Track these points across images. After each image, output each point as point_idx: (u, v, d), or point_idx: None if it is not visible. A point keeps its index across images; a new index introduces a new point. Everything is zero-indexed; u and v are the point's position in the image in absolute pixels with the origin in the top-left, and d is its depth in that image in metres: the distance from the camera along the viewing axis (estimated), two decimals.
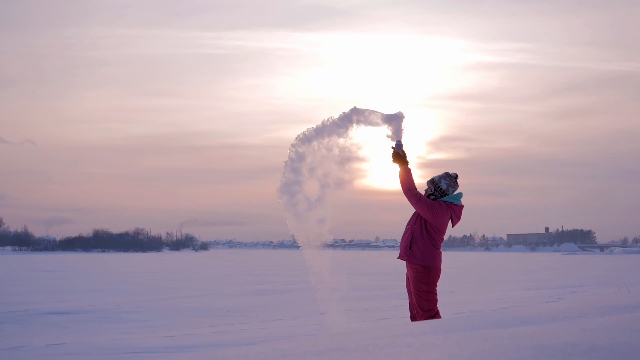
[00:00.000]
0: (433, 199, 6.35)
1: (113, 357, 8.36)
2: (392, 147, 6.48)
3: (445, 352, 2.22)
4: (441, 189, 6.36)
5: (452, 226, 6.48)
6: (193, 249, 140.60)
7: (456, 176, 6.47)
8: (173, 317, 13.24)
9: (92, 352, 8.72)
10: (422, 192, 6.45)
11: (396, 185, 6.49)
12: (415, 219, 6.37)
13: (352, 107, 6.71)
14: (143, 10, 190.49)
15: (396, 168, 6.44)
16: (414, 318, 6.36)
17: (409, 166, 6.40)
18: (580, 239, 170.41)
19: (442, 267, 6.42)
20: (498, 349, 2.17)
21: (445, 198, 6.36)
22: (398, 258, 6.48)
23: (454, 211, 6.36)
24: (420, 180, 6.57)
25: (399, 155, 6.42)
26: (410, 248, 6.30)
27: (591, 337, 2.24)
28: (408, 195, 6.27)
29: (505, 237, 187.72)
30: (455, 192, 6.45)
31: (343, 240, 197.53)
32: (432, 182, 6.41)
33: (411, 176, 6.34)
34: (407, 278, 6.45)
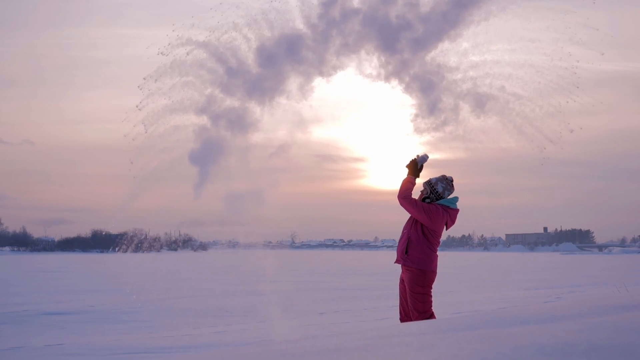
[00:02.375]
0: (429, 202, 6.37)
1: (112, 357, 8.36)
2: (417, 155, 6.55)
3: (444, 352, 2.22)
4: (437, 191, 6.38)
5: (446, 229, 6.51)
6: (192, 249, 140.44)
7: (452, 180, 6.50)
8: (172, 317, 13.24)
9: (92, 353, 8.72)
10: (416, 196, 6.50)
11: (395, 186, 6.52)
12: (412, 224, 6.39)
13: None
14: (143, 10, 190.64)
15: (404, 173, 6.51)
16: (403, 319, 6.37)
17: (416, 181, 6.48)
18: (578, 239, 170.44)
19: (439, 268, 6.44)
20: (497, 348, 2.17)
21: (441, 201, 6.37)
22: (395, 262, 6.49)
23: (450, 215, 6.38)
24: (418, 181, 6.58)
25: (415, 166, 6.49)
26: (406, 252, 6.31)
27: (590, 336, 2.25)
28: (404, 201, 6.31)
29: (504, 237, 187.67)
30: (452, 196, 6.47)
31: (342, 240, 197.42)
32: (429, 184, 6.43)
33: (412, 187, 6.40)
34: (401, 280, 6.46)
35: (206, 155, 6.62)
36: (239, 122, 6.63)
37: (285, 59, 6.44)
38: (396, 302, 6.92)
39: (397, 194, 6.40)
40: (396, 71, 6.66)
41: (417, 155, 6.54)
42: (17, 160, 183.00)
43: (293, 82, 6.68)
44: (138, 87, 6.35)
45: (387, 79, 6.76)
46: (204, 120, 6.69)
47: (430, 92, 6.64)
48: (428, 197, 6.41)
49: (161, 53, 6.35)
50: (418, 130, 6.86)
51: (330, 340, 3.01)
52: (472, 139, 7.03)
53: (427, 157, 6.56)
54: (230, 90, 6.56)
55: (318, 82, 6.78)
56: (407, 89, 6.76)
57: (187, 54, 6.47)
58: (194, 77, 6.57)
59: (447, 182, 6.41)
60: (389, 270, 35.63)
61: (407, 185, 6.38)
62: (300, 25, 6.54)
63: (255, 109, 6.71)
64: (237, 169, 6.92)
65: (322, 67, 6.63)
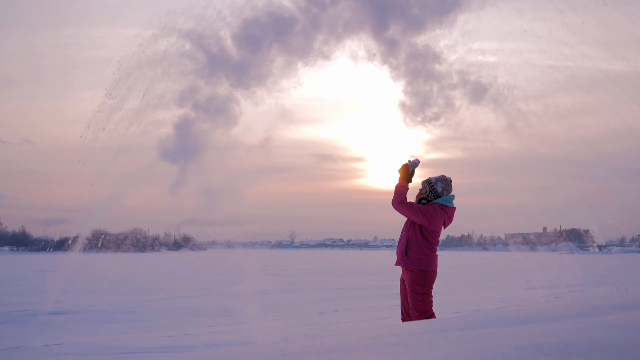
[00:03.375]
0: (425, 202, 6.40)
1: (111, 357, 8.35)
2: (409, 160, 6.55)
3: (444, 351, 2.22)
4: (436, 191, 6.41)
5: (444, 228, 6.54)
6: (191, 249, 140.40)
7: (451, 180, 6.53)
8: (171, 317, 13.23)
9: (91, 352, 8.71)
10: (414, 194, 6.52)
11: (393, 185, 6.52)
12: (410, 225, 6.40)
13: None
14: (143, 10, 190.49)
15: (396, 177, 6.51)
16: (405, 319, 6.38)
17: (408, 186, 6.48)
18: (578, 239, 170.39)
19: (439, 268, 6.45)
20: (496, 348, 2.17)
21: (437, 200, 6.40)
22: (395, 265, 6.50)
23: (447, 214, 6.42)
24: (417, 180, 6.60)
25: (406, 170, 6.49)
26: (406, 254, 6.33)
27: (589, 336, 2.24)
28: (399, 205, 6.32)
29: (503, 237, 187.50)
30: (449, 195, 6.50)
31: (341, 240, 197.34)
32: (429, 183, 6.44)
33: (406, 192, 6.41)
34: (402, 280, 6.47)
35: (184, 151, 6.26)
36: (220, 116, 6.35)
37: (271, 44, 6.15)
38: (395, 301, 6.93)
39: (391, 199, 6.40)
40: (387, 55, 6.51)
41: (409, 160, 6.56)
42: (16, 160, 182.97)
43: (278, 71, 6.41)
44: (81, 137, 6.11)
45: (378, 61, 6.61)
46: (183, 114, 6.39)
47: (421, 79, 6.55)
48: (425, 197, 6.43)
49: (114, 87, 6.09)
50: (407, 121, 6.82)
51: (329, 339, 3.01)
52: (464, 131, 6.99)
53: (419, 161, 6.57)
54: (212, 81, 6.25)
55: (311, 77, 6.61)
56: (398, 73, 6.66)
57: (171, 45, 6.21)
58: (175, 68, 6.28)
59: (446, 183, 6.45)
60: (388, 270, 35.63)
61: (401, 189, 6.40)
62: (288, 9, 6.27)
63: (239, 101, 6.44)
64: (217, 164, 6.69)
65: (311, 54, 6.39)
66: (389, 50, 6.44)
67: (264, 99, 6.42)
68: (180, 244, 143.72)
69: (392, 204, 6.36)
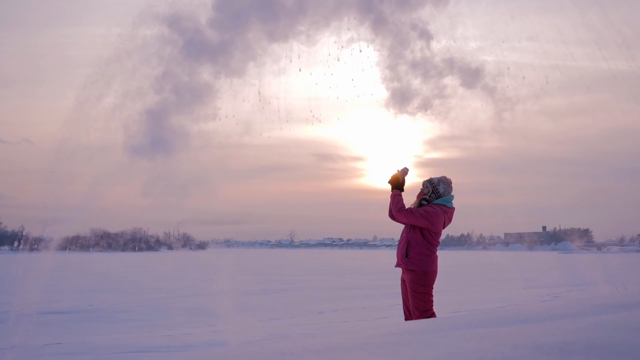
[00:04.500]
0: (425, 204, 6.41)
1: (111, 356, 8.36)
2: (398, 170, 6.55)
3: (443, 350, 2.22)
4: (439, 192, 6.43)
5: (443, 228, 6.56)
6: (190, 249, 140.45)
7: (451, 182, 6.56)
8: (171, 316, 13.23)
9: (90, 352, 8.71)
10: (414, 195, 6.53)
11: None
12: (410, 226, 6.41)
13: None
14: (142, 10, 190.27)
15: (389, 187, 6.52)
16: (408, 318, 6.40)
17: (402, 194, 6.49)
18: (577, 238, 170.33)
19: (439, 268, 6.47)
20: (496, 347, 2.17)
21: (437, 201, 6.41)
22: (396, 266, 6.51)
23: (447, 214, 6.44)
24: (417, 180, 6.61)
25: (397, 180, 6.49)
26: (407, 256, 6.34)
27: (589, 335, 2.25)
28: (399, 213, 6.33)
29: (502, 236, 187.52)
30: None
31: (341, 239, 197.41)
32: (431, 184, 6.45)
33: (402, 199, 6.42)
34: (403, 280, 6.49)
35: (156, 145, 6.12)
36: (199, 104, 6.15)
37: (252, 27, 5.93)
38: (395, 301, 6.93)
39: (388, 210, 6.40)
40: (377, 35, 6.38)
41: (398, 170, 6.56)
42: (15, 160, 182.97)
43: (261, 55, 6.24)
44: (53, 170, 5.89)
45: (368, 43, 6.51)
46: (161, 101, 6.21)
47: (411, 66, 6.47)
48: (426, 198, 6.44)
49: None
50: (395, 110, 6.79)
51: (329, 339, 3.01)
52: (463, 131, 6.98)
53: (408, 170, 6.58)
54: (189, 70, 6.08)
55: (311, 76, 6.54)
56: (387, 59, 6.58)
57: (150, 33, 6.05)
58: (155, 57, 6.09)
59: (447, 184, 6.47)
60: (387, 270, 35.62)
61: (397, 198, 6.41)
62: None
63: (216, 89, 6.26)
64: (213, 163, 6.56)
65: (296, 37, 6.20)
66: (378, 29, 6.33)
67: (245, 87, 6.25)
68: (180, 243, 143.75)
69: (391, 213, 6.38)
